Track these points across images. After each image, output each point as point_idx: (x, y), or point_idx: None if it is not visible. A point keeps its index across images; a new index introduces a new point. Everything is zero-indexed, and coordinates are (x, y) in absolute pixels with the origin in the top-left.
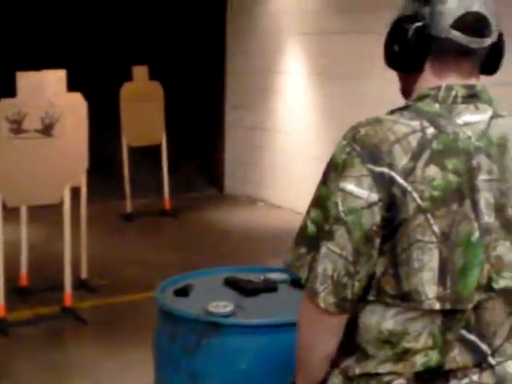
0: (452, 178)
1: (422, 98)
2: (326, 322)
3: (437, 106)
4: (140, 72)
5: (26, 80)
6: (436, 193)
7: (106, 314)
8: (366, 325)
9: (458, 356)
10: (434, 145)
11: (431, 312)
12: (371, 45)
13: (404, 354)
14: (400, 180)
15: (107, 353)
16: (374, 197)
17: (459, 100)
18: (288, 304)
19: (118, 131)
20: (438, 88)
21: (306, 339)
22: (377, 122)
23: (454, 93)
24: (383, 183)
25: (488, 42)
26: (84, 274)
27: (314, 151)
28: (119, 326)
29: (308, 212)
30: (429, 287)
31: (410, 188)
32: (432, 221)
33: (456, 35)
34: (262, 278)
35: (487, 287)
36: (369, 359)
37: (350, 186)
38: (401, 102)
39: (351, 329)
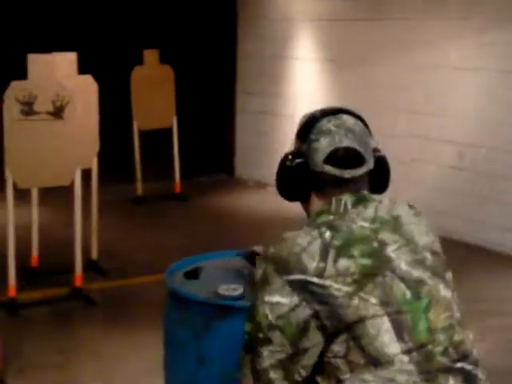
0: (363, 260)
1: (319, 213)
2: None
3: (331, 216)
4: (151, 56)
5: (37, 62)
6: (356, 276)
7: (116, 296)
8: None
9: None
10: (336, 242)
11: (404, 366)
12: (382, 31)
13: None
14: (315, 280)
15: (116, 335)
16: (295, 300)
17: (349, 206)
18: None
19: (129, 115)
20: (330, 202)
21: None
22: (282, 240)
23: (343, 202)
24: (300, 287)
25: (361, 171)
26: (94, 256)
27: None
28: (128, 309)
29: (246, 326)
30: (392, 346)
31: (327, 283)
32: (366, 297)
33: (328, 169)
34: None
35: (450, 326)
36: None
37: (273, 298)
38: (412, 87)
39: None
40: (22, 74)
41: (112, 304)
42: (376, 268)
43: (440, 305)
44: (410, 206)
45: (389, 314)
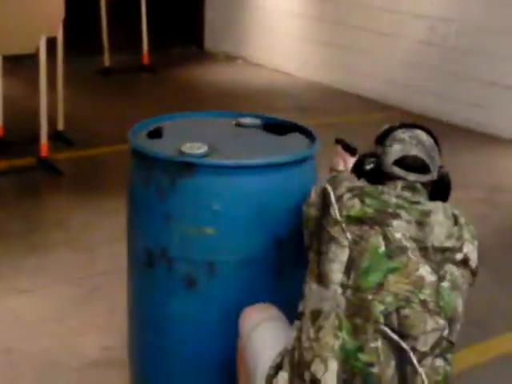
0: (368, 209)
1: None
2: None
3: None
4: None
5: None
6: (351, 213)
7: (82, 165)
8: (307, 296)
9: (380, 349)
10: (366, 189)
11: (336, 295)
12: None
13: (318, 332)
14: (332, 197)
15: (82, 203)
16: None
17: (398, 188)
18: (261, 147)
19: None
20: None
21: None
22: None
23: (394, 186)
24: (324, 195)
25: (425, 178)
26: (60, 127)
27: (296, 9)
28: (95, 178)
29: None
30: (336, 274)
31: (334, 205)
32: (346, 229)
33: (396, 170)
34: (234, 122)
35: (405, 298)
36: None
37: (316, 187)
38: None
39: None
40: None
41: (79, 173)
42: (371, 219)
43: (408, 277)
44: (456, 221)
45: (351, 250)
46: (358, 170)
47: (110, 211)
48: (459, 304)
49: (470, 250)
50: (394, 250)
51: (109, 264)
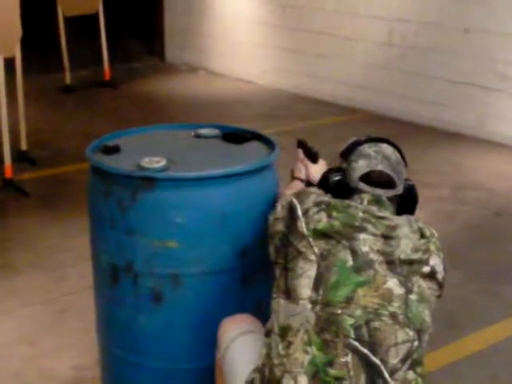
0: (335, 223)
1: None
2: None
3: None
4: None
5: None
6: (318, 227)
7: (48, 185)
8: (275, 312)
9: (350, 364)
10: (332, 202)
11: (305, 311)
12: None
13: (288, 348)
14: (299, 211)
15: (48, 223)
16: (282, 213)
17: (365, 202)
18: (220, 158)
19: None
20: None
21: None
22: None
23: (360, 199)
24: (290, 209)
25: (391, 193)
26: (24, 146)
27: (254, 16)
28: (61, 197)
29: None
30: (304, 290)
31: (301, 218)
32: (313, 243)
33: (362, 186)
34: (193, 134)
35: (374, 311)
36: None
37: (282, 202)
38: None
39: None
40: None
41: (44, 193)
42: (338, 233)
43: (376, 290)
44: (422, 235)
45: (319, 266)
46: (324, 185)
47: (77, 230)
48: (427, 315)
49: (437, 262)
50: (362, 264)
51: (77, 283)
